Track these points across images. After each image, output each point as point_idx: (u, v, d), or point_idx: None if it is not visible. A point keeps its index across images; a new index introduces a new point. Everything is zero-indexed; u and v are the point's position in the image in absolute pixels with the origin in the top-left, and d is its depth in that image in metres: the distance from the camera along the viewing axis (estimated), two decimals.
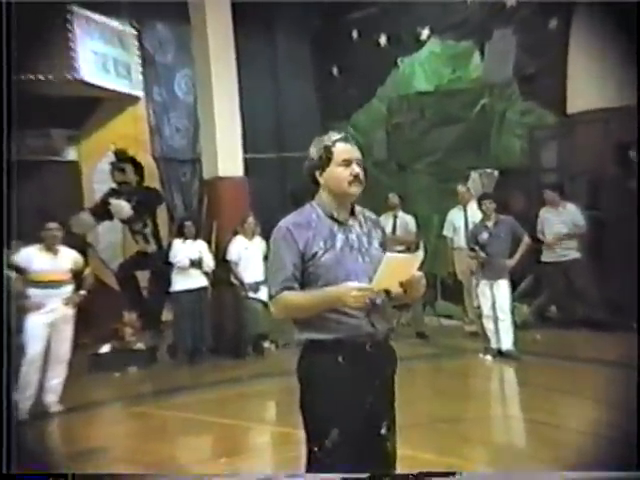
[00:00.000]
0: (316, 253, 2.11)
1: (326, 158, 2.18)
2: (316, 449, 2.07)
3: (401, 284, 2.10)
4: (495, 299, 6.12)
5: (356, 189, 2.18)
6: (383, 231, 2.31)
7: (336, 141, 2.20)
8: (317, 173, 2.20)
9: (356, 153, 2.20)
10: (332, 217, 2.19)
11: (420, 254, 2.14)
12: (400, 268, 2.07)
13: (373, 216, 2.32)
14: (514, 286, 6.56)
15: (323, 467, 2.05)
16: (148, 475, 3.32)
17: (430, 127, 8.99)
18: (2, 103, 2.82)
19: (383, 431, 2.12)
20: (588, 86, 7.32)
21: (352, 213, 2.24)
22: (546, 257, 7.21)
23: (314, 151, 2.22)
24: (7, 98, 2.83)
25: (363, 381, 2.10)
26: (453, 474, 2.32)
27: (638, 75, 4.74)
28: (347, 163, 2.17)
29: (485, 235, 6.16)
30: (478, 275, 6.33)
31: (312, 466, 2.09)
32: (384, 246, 2.25)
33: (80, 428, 5.17)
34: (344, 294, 2.01)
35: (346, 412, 2.06)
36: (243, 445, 4.63)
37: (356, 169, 2.18)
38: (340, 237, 2.16)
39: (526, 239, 6.19)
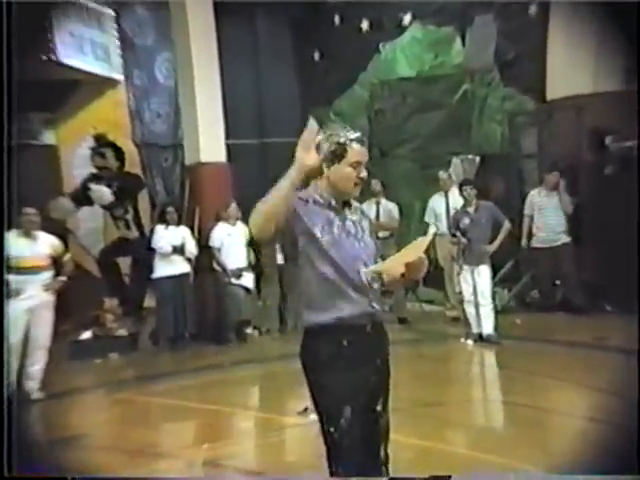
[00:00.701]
0: (315, 232, 2.15)
1: (340, 155, 2.18)
2: (332, 429, 2.13)
3: (406, 265, 2.17)
4: (476, 284, 6.18)
5: (358, 190, 2.24)
6: (370, 221, 2.37)
7: (352, 140, 2.20)
8: (324, 164, 2.18)
9: (366, 156, 2.23)
10: (329, 205, 2.22)
11: (428, 237, 2.23)
12: (412, 250, 2.17)
13: (360, 206, 2.38)
14: (495, 271, 6.63)
15: (341, 449, 2.12)
16: (149, 478, 3.32)
17: (412, 113, 9.01)
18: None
19: (378, 407, 2.20)
20: (566, 72, 7.38)
21: (346, 204, 2.29)
22: (537, 242, 7.23)
23: (325, 143, 2.18)
24: (7, 85, 2.76)
25: (367, 361, 2.19)
26: (449, 477, 2.51)
27: (638, 62, 4.79)
28: (357, 165, 2.19)
29: (466, 221, 6.20)
30: (459, 261, 6.38)
31: (332, 450, 2.15)
32: (371, 235, 2.31)
33: (61, 415, 5.14)
34: (297, 155, 2.04)
35: (355, 391, 2.14)
36: (226, 431, 4.63)
37: (364, 172, 2.21)
38: (337, 223, 2.20)
39: (507, 224, 6.24)
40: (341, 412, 2.12)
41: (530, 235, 7.30)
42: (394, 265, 2.17)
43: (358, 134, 2.23)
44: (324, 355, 2.16)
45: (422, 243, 2.19)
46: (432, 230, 2.26)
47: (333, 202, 2.22)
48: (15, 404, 5.06)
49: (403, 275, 2.17)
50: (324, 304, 2.16)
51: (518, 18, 7.90)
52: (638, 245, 5.36)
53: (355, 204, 2.33)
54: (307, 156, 2.06)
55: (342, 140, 2.18)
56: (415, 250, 2.17)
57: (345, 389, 2.13)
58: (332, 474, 2.16)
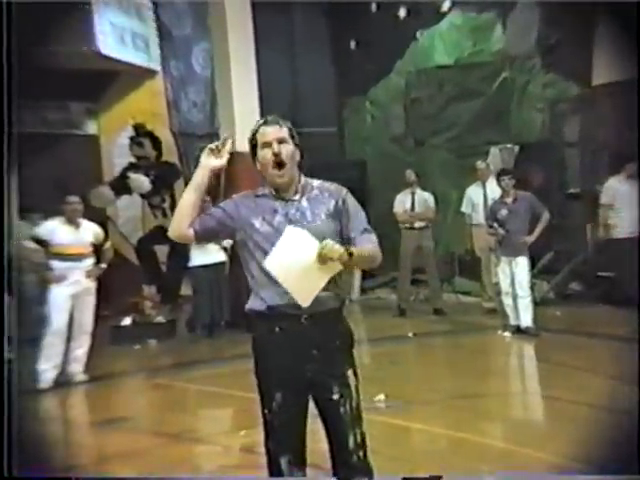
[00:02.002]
0: (253, 224, 2.22)
1: (254, 143, 2.26)
2: (266, 411, 2.25)
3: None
4: (514, 276, 6.08)
5: (283, 171, 2.21)
6: (340, 200, 2.28)
7: (260, 125, 2.25)
8: (254, 161, 2.28)
9: (276, 133, 2.22)
10: (274, 196, 2.26)
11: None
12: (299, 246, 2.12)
13: (332, 186, 2.32)
14: (534, 262, 6.50)
15: (272, 428, 2.24)
16: (150, 478, 3.39)
17: (449, 101, 8.88)
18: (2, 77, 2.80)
19: (335, 397, 2.21)
20: (613, 57, 7.14)
21: (303, 191, 2.27)
22: (619, 233, 6.88)
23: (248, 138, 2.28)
24: (7, 73, 2.80)
25: (301, 350, 2.20)
26: (440, 477, 2.49)
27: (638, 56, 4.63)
28: (268, 145, 2.21)
29: (504, 212, 6.10)
30: (497, 252, 6.28)
31: (265, 428, 2.26)
32: (337, 213, 2.25)
33: (102, 398, 5.28)
34: (201, 158, 2.22)
35: (287, 378, 2.20)
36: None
37: (276, 148, 2.20)
38: (281, 212, 2.23)
39: (546, 215, 6.11)
40: (272, 396, 2.22)
41: (607, 226, 6.97)
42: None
43: (267, 117, 2.27)
44: (259, 340, 2.26)
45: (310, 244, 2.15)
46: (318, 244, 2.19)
47: (274, 192, 2.25)
48: (58, 386, 5.25)
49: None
50: (258, 292, 2.23)
51: (563, 2, 7.67)
52: None
53: (326, 185, 2.31)
54: (210, 159, 2.23)
55: (253, 128, 2.26)
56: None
57: (277, 374, 2.21)
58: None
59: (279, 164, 2.20)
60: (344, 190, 2.32)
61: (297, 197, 2.25)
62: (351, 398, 2.23)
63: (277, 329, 2.21)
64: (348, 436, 2.21)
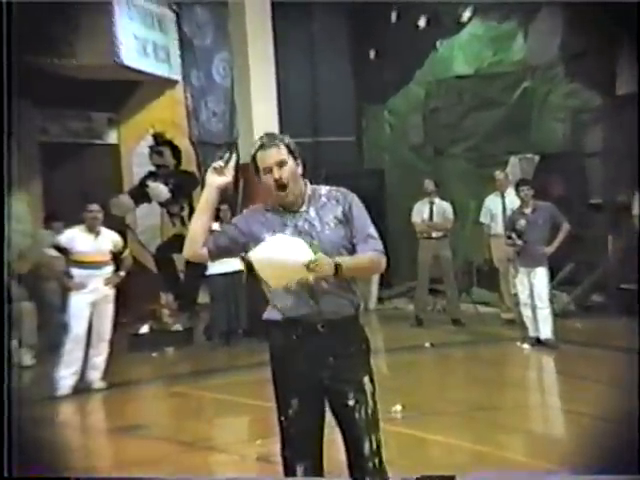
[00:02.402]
0: (265, 238, 2.21)
1: (256, 167, 2.27)
2: (283, 419, 2.26)
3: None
4: (533, 287, 6.01)
5: (288, 193, 2.23)
6: (347, 205, 2.28)
7: (257, 151, 2.25)
8: (257, 180, 2.29)
9: (275, 157, 2.21)
10: (281, 211, 2.28)
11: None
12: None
13: (339, 192, 2.32)
14: (553, 274, 6.42)
15: (289, 436, 2.25)
16: (154, 479, 3.39)
17: (468, 111, 8.84)
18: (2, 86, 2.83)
19: (350, 402, 2.22)
20: (638, 67, 7.04)
21: (309, 201, 2.29)
22: None
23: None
24: (7, 83, 2.83)
25: (317, 357, 2.23)
26: (453, 477, 2.46)
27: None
28: (269, 170, 2.22)
29: (522, 222, 6.04)
30: (515, 263, 6.22)
31: (281, 436, 2.28)
32: (345, 218, 2.26)
33: (120, 405, 5.32)
34: (207, 177, 2.26)
35: (303, 384, 2.22)
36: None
37: (277, 174, 2.21)
38: (290, 225, 2.25)
39: (566, 226, 6.04)
40: (289, 403, 2.23)
41: None
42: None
43: (261, 141, 2.25)
44: (276, 348, 2.29)
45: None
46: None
47: (281, 208, 2.26)
48: (77, 392, 5.29)
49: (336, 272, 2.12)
50: (275, 302, 2.28)
51: (587, 10, 7.59)
52: None
53: (334, 192, 2.30)
54: (215, 178, 2.25)
55: (253, 151, 2.26)
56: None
57: (294, 381, 2.23)
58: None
59: (282, 187, 2.22)
60: (350, 195, 2.32)
61: (304, 208, 2.27)
62: (367, 404, 2.23)
63: (294, 337, 2.23)
64: (364, 442, 2.22)
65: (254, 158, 2.25)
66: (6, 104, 2.83)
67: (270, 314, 2.30)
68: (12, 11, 2.86)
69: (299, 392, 2.23)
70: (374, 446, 2.22)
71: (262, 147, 2.24)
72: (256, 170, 2.28)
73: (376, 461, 2.22)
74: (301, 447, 2.24)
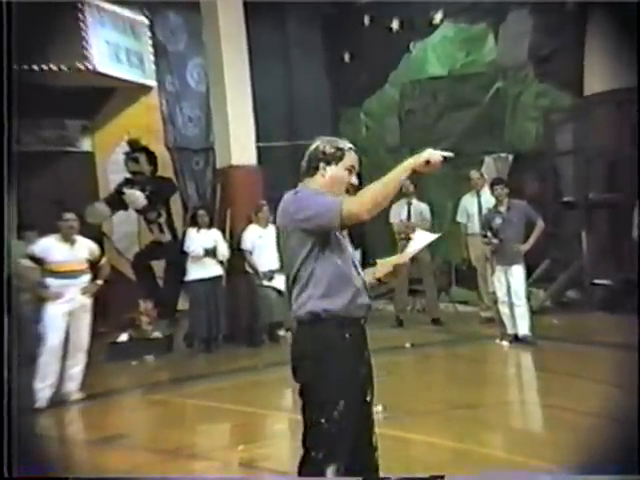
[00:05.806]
0: None
1: (338, 157, 2.38)
2: (323, 420, 2.23)
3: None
4: (510, 285, 6.09)
5: (350, 192, 2.39)
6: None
7: (350, 148, 2.43)
8: (322, 164, 2.37)
9: (356, 163, 2.43)
10: None
11: (430, 238, 2.52)
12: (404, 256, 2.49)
13: None
14: (530, 271, 6.50)
15: (329, 437, 2.22)
16: (142, 478, 3.37)
17: (443, 112, 8.92)
18: (2, 95, 2.81)
19: (369, 398, 2.32)
20: (605, 66, 7.19)
21: None
22: None
23: (326, 146, 2.40)
24: (7, 90, 2.81)
25: (360, 354, 2.33)
26: (442, 477, 2.54)
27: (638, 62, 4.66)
28: (351, 170, 2.40)
29: (498, 220, 6.11)
30: (492, 261, 6.29)
31: (316, 438, 2.25)
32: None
33: (99, 415, 5.25)
34: (417, 157, 2.32)
35: (350, 383, 2.26)
36: (260, 433, 4.66)
37: (354, 179, 2.41)
38: None
39: (540, 223, 6.12)
40: (337, 404, 2.22)
41: None
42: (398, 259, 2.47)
43: (354, 147, 2.45)
44: (329, 346, 2.25)
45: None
46: (434, 236, 2.37)
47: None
48: (54, 405, 5.20)
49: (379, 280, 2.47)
50: (336, 293, 2.26)
51: (555, 12, 7.73)
52: None
53: None
54: (420, 161, 2.32)
55: (341, 146, 2.41)
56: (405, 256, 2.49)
57: (343, 381, 2.25)
58: (300, 467, 2.28)
59: (353, 188, 2.39)
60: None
61: None
62: (372, 399, 2.37)
63: (347, 335, 2.28)
64: (373, 435, 2.35)
65: (343, 151, 2.38)
66: (6, 122, 2.81)
67: (329, 305, 2.25)
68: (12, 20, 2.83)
69: (346, 392, 2.24)
70: (376, 439, 2.36)
71: (354, 150, 2.44)
72: (335, 160, 2.36)
73: (378, 453, 2.36)
74: (341, 448, 2.22)
